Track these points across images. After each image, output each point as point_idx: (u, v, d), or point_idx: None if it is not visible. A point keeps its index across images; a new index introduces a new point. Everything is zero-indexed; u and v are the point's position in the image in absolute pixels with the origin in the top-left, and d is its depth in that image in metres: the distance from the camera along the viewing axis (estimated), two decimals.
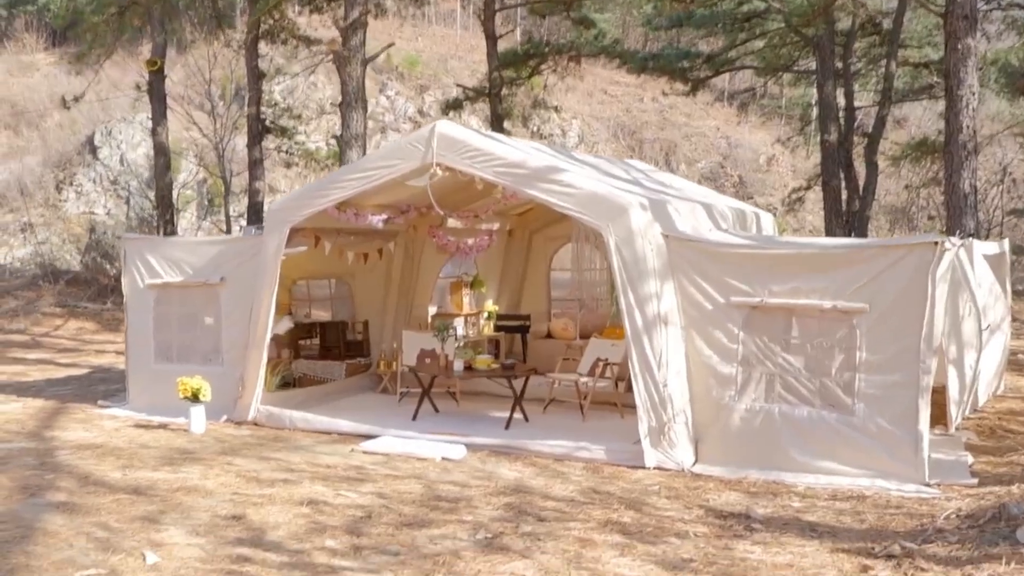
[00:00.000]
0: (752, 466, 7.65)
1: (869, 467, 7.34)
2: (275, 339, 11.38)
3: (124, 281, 10.67)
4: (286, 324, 10.71)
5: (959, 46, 14.41)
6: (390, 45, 19.64)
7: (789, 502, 6.86)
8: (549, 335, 12.82)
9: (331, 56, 14.86)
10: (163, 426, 9.38)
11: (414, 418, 9.66)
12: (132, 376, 10.56)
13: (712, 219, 9.62)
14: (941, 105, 30.10)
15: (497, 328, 12.73)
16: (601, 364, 10.00)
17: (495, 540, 5.83)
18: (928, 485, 7.10)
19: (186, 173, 28.13)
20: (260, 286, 9.52)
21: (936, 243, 7.27)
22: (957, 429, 9.09)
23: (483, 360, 9.86)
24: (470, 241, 12.42)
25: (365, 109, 14.90)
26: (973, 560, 5.42)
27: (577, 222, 12.54)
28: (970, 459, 7.99)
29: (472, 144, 8.59)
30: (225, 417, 9.62)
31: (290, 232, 9.67)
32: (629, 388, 10.57)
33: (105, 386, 11.98)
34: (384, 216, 10.39)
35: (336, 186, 9.20)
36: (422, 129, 8.95)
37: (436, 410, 10.13)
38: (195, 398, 9.05)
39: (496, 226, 12.75)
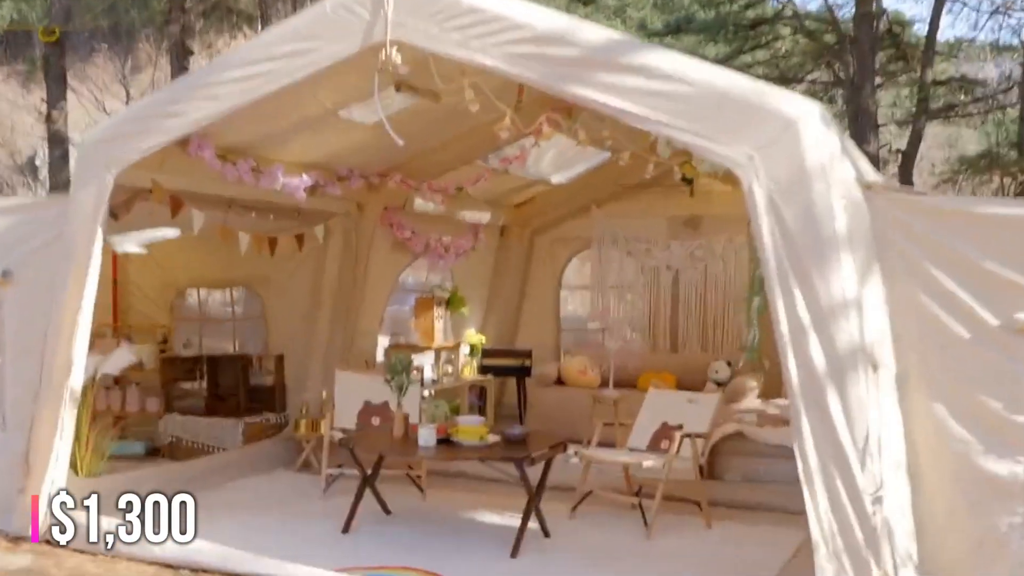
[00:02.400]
0: None
1: None
2: (134, 382, 7.24)
3: None
4: (123, 358, 6.09)
5: None
6: None
7: None
8: (560, 381, 8.79)
9: None
10: None
11: (345, 530, 5.36)
12: None
13: None
14: (948, 131, 27.17)
15: (483, 369, 8.51)
16: (674, 434, 5.74)
17: None
18: None
19: None
20: (62, 286, 5.14)
21: None
22: None
23: (470, 428, 5.52)
24: (446, 238, 8.32)
25: None
26: None
27: (598, 220, 8.73)
28: None
29: (461, 2, 4.36)
30: None
31: (134, 195, 5.50)
32: (713, 473, 6.50)
33: None
34: (307, 180, 6.22)
35: (200, 94, 4.82)
36: None
37: (386, 511, 5.82)
38: None
39: (485, 217, 8.60)
